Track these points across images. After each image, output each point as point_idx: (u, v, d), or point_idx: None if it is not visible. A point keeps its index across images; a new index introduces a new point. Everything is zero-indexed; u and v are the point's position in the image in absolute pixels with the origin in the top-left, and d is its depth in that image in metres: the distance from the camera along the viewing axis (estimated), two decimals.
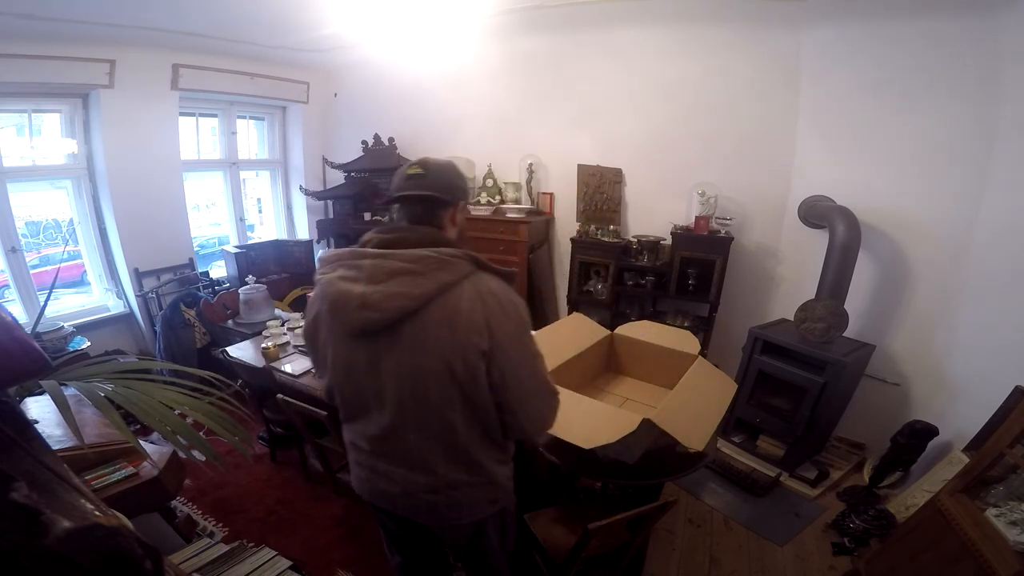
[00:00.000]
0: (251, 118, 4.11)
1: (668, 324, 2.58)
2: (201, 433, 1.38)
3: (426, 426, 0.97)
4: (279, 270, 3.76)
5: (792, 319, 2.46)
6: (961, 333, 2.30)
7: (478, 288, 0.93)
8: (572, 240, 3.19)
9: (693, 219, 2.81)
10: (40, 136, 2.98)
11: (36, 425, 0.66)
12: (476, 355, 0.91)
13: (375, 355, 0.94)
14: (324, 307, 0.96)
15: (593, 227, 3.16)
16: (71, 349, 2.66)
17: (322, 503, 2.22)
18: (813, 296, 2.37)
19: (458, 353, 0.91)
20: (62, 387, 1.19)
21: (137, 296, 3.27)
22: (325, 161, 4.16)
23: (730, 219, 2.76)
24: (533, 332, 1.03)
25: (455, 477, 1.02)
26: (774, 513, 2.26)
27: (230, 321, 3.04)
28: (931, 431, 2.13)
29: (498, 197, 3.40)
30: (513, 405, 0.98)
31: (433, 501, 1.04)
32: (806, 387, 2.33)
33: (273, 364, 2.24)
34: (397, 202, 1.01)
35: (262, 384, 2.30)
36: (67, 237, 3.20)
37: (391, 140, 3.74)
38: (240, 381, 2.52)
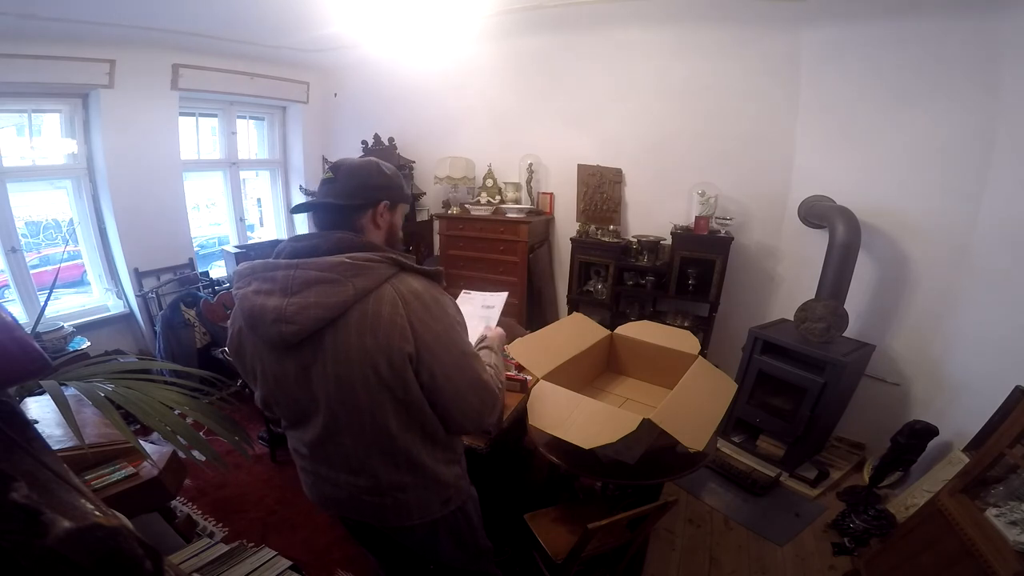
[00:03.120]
0: (251, 118, 4.10)
1: (668, 324, 2.58)
2: (201, 433, 1.39)
3: (360, 431, 0.95)
4: None
5: (792, 319, 2.45)
6: (961, 333, 2.30)
7: (400, 290, 0.90)
8: (572, 240, 3.19)
9: (693, 219, 2.81)
10: (40, 136, 2.97)
11: (36, 425, 0.66)
12: (402, 358, 0.89)
13: (303, 365, 0.92)
14: (243, 323, 0.95)
15: (593, 227, 3.16)
16: (71, 349, 2.66)
17: None
18: (813, 296, 2.38)
19: (382, 358, 0.89)
20: (62, 387, 1.19)
21: (137, 296, 3.27)
22: (325, 161, 4.16)
23: (730, 219, 2.76)
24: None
25: (398, 480, 1.00)
26: (774, 513, 2.26)
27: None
28: (931, 431, 2.13)
29: (498, 197, 3.40)
30: (447, 404, 0.97)
31: (379, 503, 1.02)
32: (806, 387, 2.33)
33: None
34: (307, 210, 0.97)
35: None
36: (67, 237, 3.20)
37: (391, 140, 3.73)
38: (240, 381, 2.52)
